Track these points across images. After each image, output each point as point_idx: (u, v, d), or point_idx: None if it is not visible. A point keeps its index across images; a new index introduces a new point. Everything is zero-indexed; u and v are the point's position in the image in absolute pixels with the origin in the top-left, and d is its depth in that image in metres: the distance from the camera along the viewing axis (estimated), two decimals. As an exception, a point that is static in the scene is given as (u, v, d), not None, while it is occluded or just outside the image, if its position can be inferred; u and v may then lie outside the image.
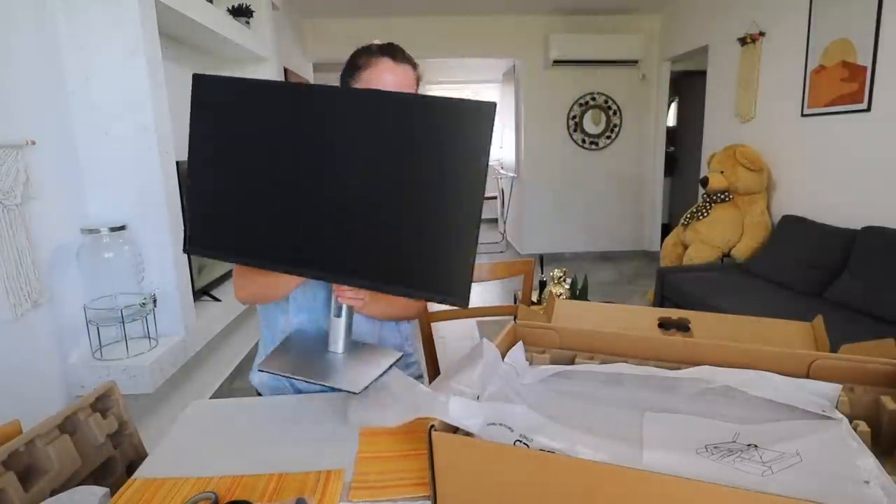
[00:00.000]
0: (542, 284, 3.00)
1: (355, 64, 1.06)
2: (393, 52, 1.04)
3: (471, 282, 0.81)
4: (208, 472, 0.83)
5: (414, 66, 1.07)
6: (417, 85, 1.09)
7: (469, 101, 0.75)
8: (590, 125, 5.35)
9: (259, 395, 1.23)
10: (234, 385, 2.84)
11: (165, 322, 1.93)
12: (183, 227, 2.02)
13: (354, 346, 0.99)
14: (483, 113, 0.75)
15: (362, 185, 0.85)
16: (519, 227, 5.85)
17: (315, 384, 0.88)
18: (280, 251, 0.90)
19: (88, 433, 0.92)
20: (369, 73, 1.03)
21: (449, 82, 7.65)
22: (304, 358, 0.94)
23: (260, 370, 0.93)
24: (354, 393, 0.82)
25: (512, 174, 6.01)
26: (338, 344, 0.94)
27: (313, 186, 0.87)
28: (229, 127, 0.89)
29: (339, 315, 0.94)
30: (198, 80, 0.88)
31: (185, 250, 0.96)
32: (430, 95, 0.81)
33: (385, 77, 1.02)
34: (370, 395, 0.88)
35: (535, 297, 2.88)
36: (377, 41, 1.10)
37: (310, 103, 0.86)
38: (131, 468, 0.98)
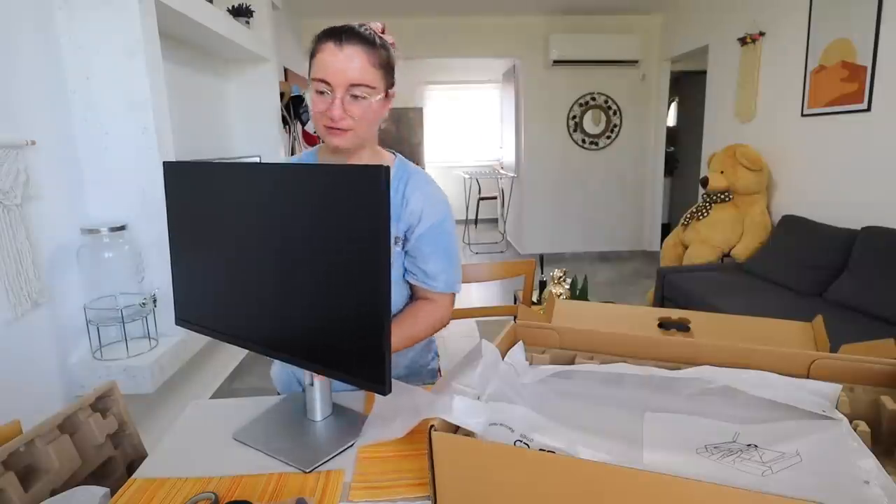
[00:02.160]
0: (542, 284, 3.00)
1: (310, 52, 0.99)
2: (339, 33, 0.95)
3: (387, 364, 0.74)
4: (208, 472, 0.83)
5: (373, 45, 0.97)
6: (383, 68, 0.98)
7: (363, 166, 0.72)
8: (590, 125, 5.35)
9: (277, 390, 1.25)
10: (234, 385, 2.84)
11: (165, 322, 1.93)
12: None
13: (336, 411, 0.97)
14: (376, 176, 0.68)
15: (278, 260, 0.85)
16: (519, 227, 5.85)
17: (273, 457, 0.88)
18: (231, 326, 0.96)
19: (88, 433, 0.92)
20: (315, 60, 0.96)
21: (449, 82, 7.65)
22: (280, 427, 0.94)
23: (235, 439, 0.92)
24: (304, 471, 0.82)
25: (512, 174, 6.01)
26: (314, 412, 0.94)
27: (246, 263, 0.90)
28: (188, 206, 0.98)
29: (311, 383, 0.93)
30: (166, 166, 1.00)
31: (177, 323, 1.04)
32: (324, 165, 0.79)
33: (327, 64, 0.94)
34: (373, 413, 0.88)
35: (535, 297, 2.88)
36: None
37: (232, 180, 0.91)
38: (131, 468, 0.98)
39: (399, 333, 1.03)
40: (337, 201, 0.75)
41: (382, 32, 1.02)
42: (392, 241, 1.06)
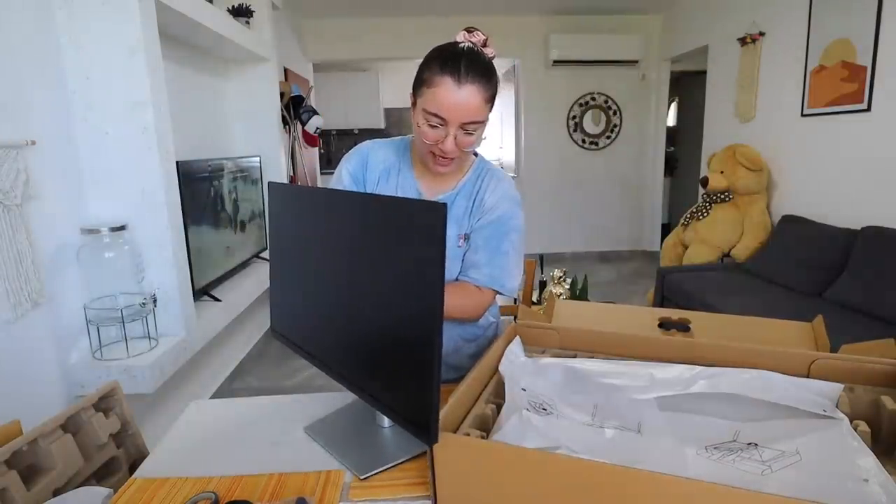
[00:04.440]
0: (542, 284, 3.00)
1: (422, 75, 0.97)
2: (458, 68, 0.92)
3: (434, 411, 0.66)
4: (208, 472, 0.83)
5: (488, 79, 0.96)
6: (493, 99, 0.99)
7: (422, 201, 0.70)
8: (590, 125, 5.35)
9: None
10: (234, 385, 2.84)
11: (165, 322, 1.93)
12: (184, 229, 2.02)
13: None
14: (436, 212, 0.65)
15: (345, 285, 0.84)
16: (519, 227, 5.83)
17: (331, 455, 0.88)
18: (308, 344, 0.97)
19: (91, 433, 0.93)
20: (430, 92, 0.94)
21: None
22: (349, 427, 0.94)
23: (305, 432, 0.94)
24: (359, 477, 0.81)
25: (512, 174, 6.01)
26: (383, 419, 0.94)
27: (321, 284, 0.91)
28: (284, 226, 1.01)
29: None
30: (270, 186, 1.03)
31: (273, 335, 1.07)
32: (386, 197, 0.78)
33: (444, 102, 0.93)
34: None
35: (535, 297, 2.88)
36: (458, 38, 0.99)
37: (314, 204, 0.94)
38: (134, 468, 0.98)
39: None
40: (396, 234, 0.74)
41: (485, 45, 1.00)
42: (461, 238, 1.09)
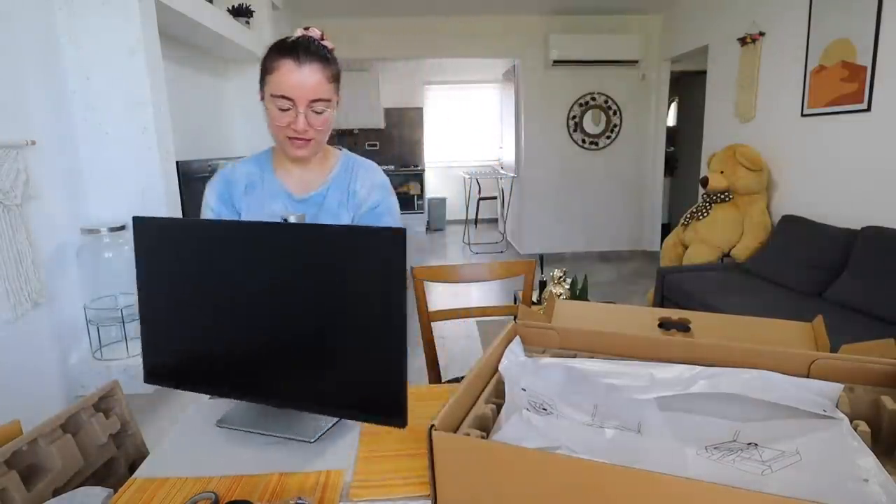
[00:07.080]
0: (542, 284, 3.00)
1: (264, 67, 1.04)
2: (296, 50, 1.00)
3: (405, 401, 0.76)
4: (208, 472, 0.83)
5: (326, 60, 1.03)
6: (336, 81, 1.06)
7: (382, 228, 0.75)
8: (590, 125, 5.35)
9: None
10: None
11: (166, 322, 1.93)
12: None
13: None
14: (395, 240, 0.72)
15: (293, 314, 0.85)
16: (519, 227, 5.85)
17: (271, 436, 0.88)
18: (227, 379, 0.93)
19: (91, 433, 0.93)
20: (275, 77, 1.01)
21: (449, 82, 7.65)
22: (267, 408, 0.94)
23: (218, 426, 0.92)
24: (309, 442, 0.82)
25: (512, 174, 6.01)
26: None
27: (250, 318, 0.88)
28: (172, 263, 0.93)
29: None
30: (136, 221, 0.94)
31: (145, 381, 0.97)
32: (347, 226, 0.83)
33: (288, 82, 1.00)
34: None
35: (535, 297, 2.88)
36: (294, 35, 1.07)
37: (237, 238, 0.89)
38: (134, 468, 0.98)
39: None
40: (359, 260, 0.77)
41: (322, 39, 1.07)
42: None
